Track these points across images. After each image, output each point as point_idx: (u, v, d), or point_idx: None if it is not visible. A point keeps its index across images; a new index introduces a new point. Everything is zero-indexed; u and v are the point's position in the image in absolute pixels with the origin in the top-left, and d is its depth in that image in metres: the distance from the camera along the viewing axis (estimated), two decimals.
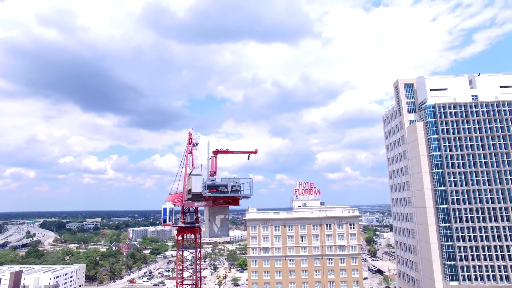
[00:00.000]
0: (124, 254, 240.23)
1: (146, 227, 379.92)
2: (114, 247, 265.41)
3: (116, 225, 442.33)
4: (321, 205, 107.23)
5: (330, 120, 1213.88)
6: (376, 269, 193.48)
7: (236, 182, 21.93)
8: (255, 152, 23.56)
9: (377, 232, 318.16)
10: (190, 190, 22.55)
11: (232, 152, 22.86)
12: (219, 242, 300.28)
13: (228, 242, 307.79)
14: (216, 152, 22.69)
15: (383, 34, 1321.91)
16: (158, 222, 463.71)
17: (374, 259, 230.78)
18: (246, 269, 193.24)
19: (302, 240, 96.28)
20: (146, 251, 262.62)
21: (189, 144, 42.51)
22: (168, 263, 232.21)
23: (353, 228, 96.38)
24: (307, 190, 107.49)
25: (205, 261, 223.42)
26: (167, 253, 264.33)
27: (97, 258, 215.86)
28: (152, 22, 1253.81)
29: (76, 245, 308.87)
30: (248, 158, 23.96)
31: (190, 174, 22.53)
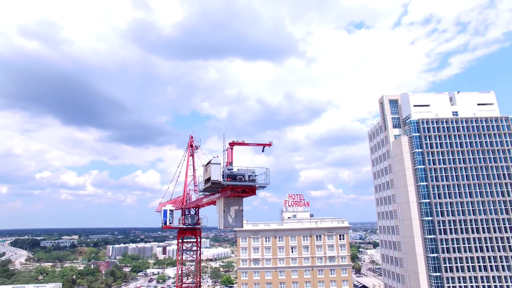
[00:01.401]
0: (103, 272, 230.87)
1: (127, 244, 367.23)
2: (92, 265, 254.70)
3: (95, 242, 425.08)
4: (310, 216, 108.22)
5: (314, 138, 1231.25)
6: (361, 285, 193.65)
7: (253, 172, 22.84)
8: (269, 145, 24.63)
9: (360, 249, 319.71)
10: (207, 179, 23.32)
11: (247, 144, 23.81)
12: (202, 260, 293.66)
13: (211, 260, 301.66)
14: (232, 144, 23.61)
15: (365, 55, 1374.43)
16: (138, 240, 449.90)
17: (358, 275, 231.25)
18: (230, 287, 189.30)
19: (292, 251, 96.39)
20: (127, 269, 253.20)
21: (190, 147, 43.17)
22: (149, 281, 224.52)
23: (343, 239, 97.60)
24: (296, 202, 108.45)
25: (187, 279, 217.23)
26: (148, 270, 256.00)
27: (74, 276, 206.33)
28: (137, 37, 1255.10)
29: (51, 263, 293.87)
30: (263, 151, 25.02)
31: (208, 163, 23.27)
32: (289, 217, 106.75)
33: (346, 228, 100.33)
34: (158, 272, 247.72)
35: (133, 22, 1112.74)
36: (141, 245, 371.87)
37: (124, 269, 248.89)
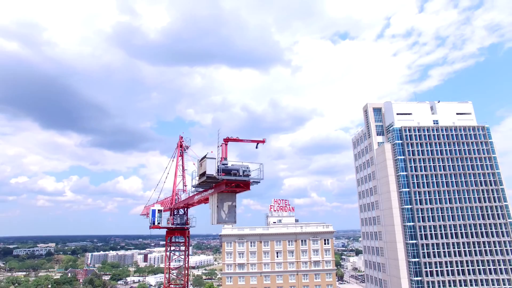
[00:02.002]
0: (81, 281, 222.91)
1: (106, 252, 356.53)
2: (69, 274, 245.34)
3: (73, 250, 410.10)
4: (295, 221, 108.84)
5: (298, 146, 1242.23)
6: None
7: (247, 168, 23.32)
8: (263, 142, 25.14)
9: (343, 256, 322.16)
10: (203, 174, 23.50)
11: (242, 140, 24.21)
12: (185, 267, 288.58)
13: (193, 267, 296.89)
14: (226, 140, 23.97)
15: (349, 66, 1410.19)
16: (119, 247, 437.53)
17: (341, 282, 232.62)
18: None
19: (277, 256, 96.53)
20: (106, 277, 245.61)
21: (180, 147, 43.17)
22: None
23: (328, 243, 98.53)
24: (281, 207, 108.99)
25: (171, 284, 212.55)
26: (128, 278, 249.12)
27: (50, 286, 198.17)
28: (122, 41, 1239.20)
29: (24, 273, 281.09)
30: (257, 147, 25.46)
31: (203, 158, 23.50)
32: (275, 222, 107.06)
33: (330, 233, 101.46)
34: (139, 280, 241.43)
35: (118, 26, 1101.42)
36: (121, 252, 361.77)
37: (103, 278, 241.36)
